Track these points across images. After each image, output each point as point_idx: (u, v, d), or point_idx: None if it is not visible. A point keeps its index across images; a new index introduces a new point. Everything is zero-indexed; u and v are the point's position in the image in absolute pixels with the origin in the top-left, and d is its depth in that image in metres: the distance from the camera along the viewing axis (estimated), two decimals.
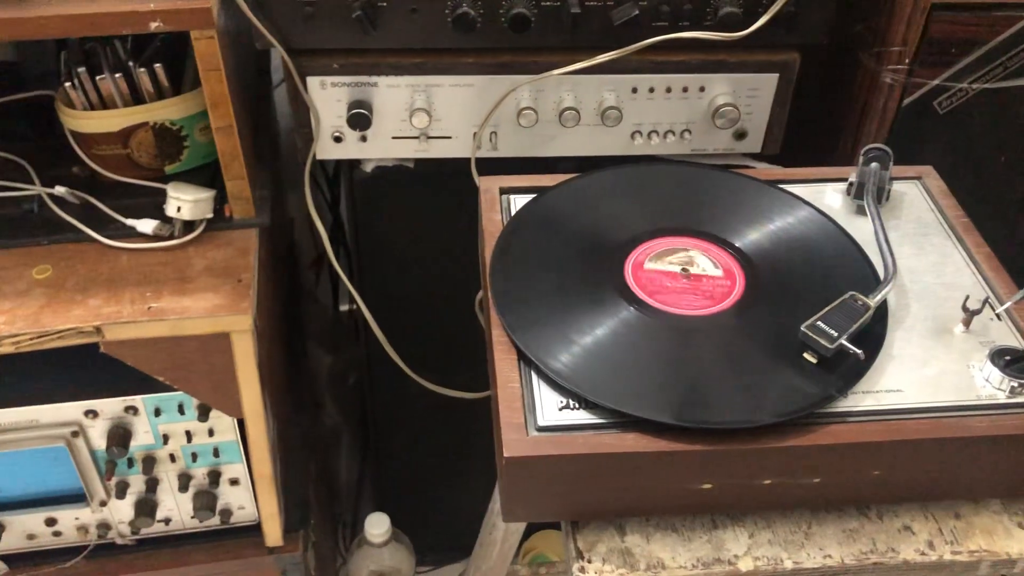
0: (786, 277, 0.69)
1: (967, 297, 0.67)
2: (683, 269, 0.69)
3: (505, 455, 0.58)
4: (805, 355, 0.63)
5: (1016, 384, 0.62)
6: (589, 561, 0.63)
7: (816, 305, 0.65)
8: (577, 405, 0.61)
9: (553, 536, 1.42)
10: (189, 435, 0.97)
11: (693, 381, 0.63)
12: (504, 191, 0.78)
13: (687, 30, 0.89)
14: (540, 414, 0.61)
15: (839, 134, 1.01)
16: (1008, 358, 0.63)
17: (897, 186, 0.80)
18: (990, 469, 0.64)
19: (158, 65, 0.92)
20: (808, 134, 1.05)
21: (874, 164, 0.77)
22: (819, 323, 0.63)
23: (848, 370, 0.63)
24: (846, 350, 0.62)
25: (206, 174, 0.99)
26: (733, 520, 0.66)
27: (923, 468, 0.63)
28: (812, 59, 0.95)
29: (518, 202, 0.77)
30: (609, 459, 0.59)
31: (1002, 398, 0.63)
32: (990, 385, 0.63)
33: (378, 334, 1.02)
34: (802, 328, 0.63)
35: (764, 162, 1.02)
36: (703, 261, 0.69)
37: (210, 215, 0.93)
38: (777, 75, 0.95)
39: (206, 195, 0.92)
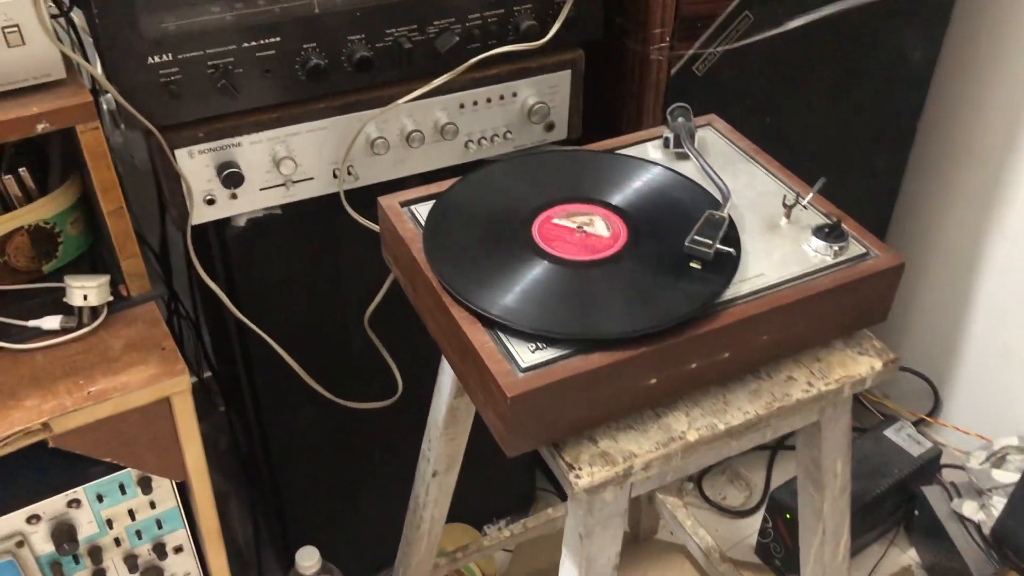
0: (655, 217, 0.88)
1: (784, 196, 0.89)
2: (579, 227, 0.86)
3: (508, 396, 0.72)
4: (691, 264, 0.82)
5: (837, 247, 0.85)
6: (580, 469, 0.78)
7: (682, 231, 0.83)
8: (544, 345, 0.76)
9: (455, 529, 1.53)
10: (132, 513, 1.00)
11: (621, 305, 0.79)
12: (404, 204, 0.91)
13: (497, 47, 1.06)
14: (519, 359, 0.75)
15: (624, 107, 1.22)
16: (826, 231, 0.85)
17: (696, 133, 1.01)
18: (833, 315, 0.85)
19: (22, 169, 0.96)
20: (600, 114, 1.25)
21: (681, 119, 0.97)
22: (696, 236, 0.82)
23: (725, 267, 0.82)
24: (720, 252, 0.81)
25: (82, 265, 1.03)
26: (670, 408, 0.83)
27: (792, 324, 0.83)
28: (592, 53, 1.16)
29: (419, 210, 0.90)
30: (582, 378, 0.74)
31: (830, 260, 0.85)
32: (819, 254, 0.85)
33: (286, 357, 1.09)
34: (686, 243, 0.81)
35: (571, 146, 1.21)
36: (592, 219, 0.86)
37: (110, 298, 0.97)
38: (569, 71, 1.14)
39: (104, 279, 0.96)
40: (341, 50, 1.00)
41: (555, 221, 0.86)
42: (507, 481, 1.59)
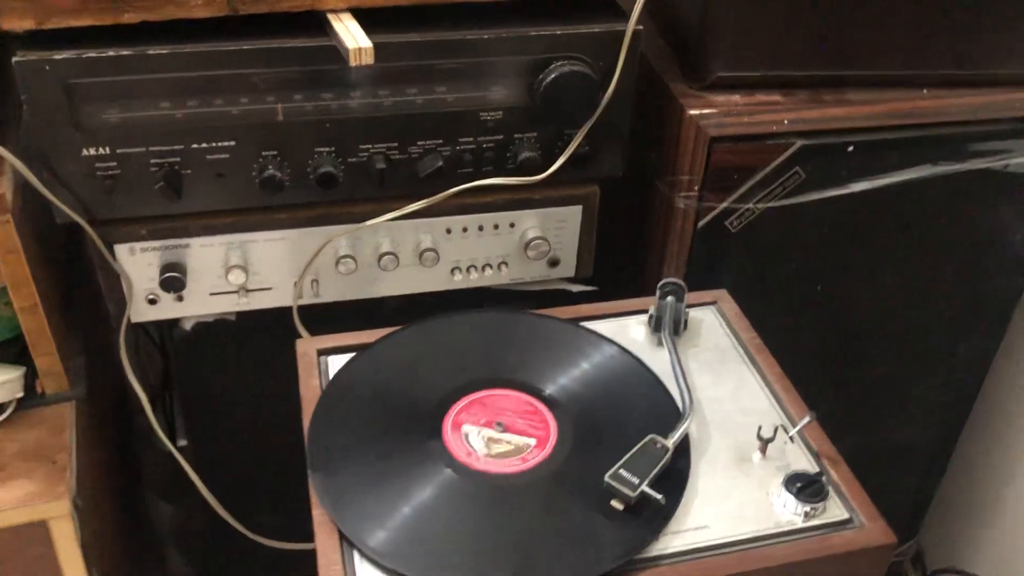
0: (595, 419, 0.73)
1: (759, 428, 0.72)
2: (498, 425, 0.71)
3: None
4: (612, 503, 0.66)
5: (809, 508, 0.67)
6: None
7: (625, 446, 0.68)
8: None
9: None
10: None
11: (518, 545, 0.64)
12: (321, 352, 0.79)
13: (491, 175, 0.93)
14: None
15: (648, 252, 1.07)
16: (799, 485, 0.68)
17: (695, 313, 0.85)
18: None
19: None
20: (620, 253, 1.11)
21: (670, 298, 0.82)
22: (621, 471, 0.66)
23: (654, 514, 0.66)
24: (647, 496, 0.65)
25: (15, 348, 0.95)
26: None
27: None
28: (616, 186, 1.01)
29: (335, 363, 0.78)
30: None
31: (799, 523, 0.67)
32: (786, 511, 0.68)
33: (204, 493, 0.99)
34: (605, 478, 0.66)
35: (580, 283, 1.07)
36: (515, 420, 0.72)
37: (20, 394, 0.90)
38: (580, 207, 1.00)
39: (15, 374, 0.89)
40: (306, 161, 0.89)
41: (470, 412, 0.72)
42: None
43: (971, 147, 1.00)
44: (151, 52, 0.80)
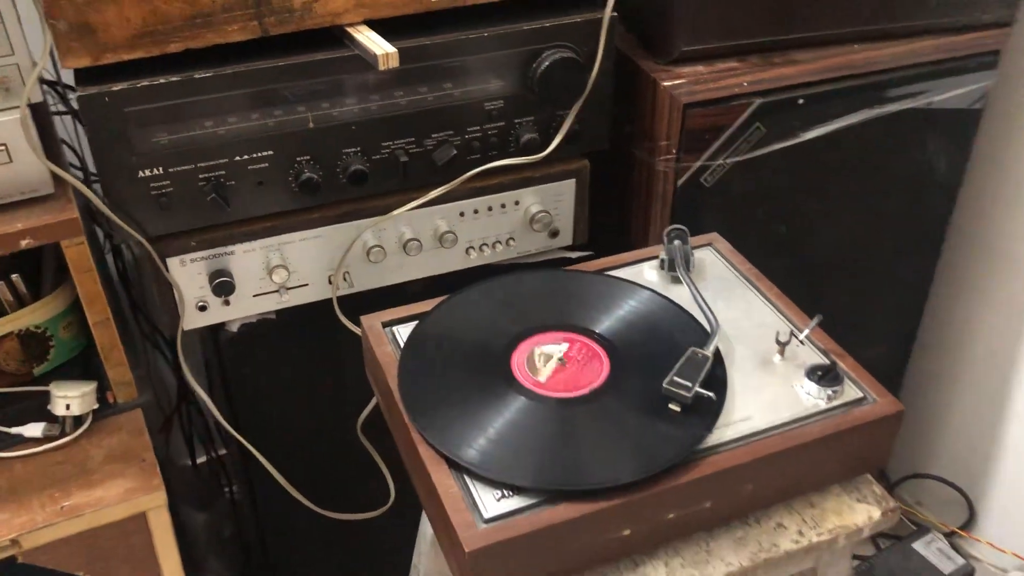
0: (640, 348, 0.84)
1: (777, 332, 0.85)
2: (558, 358, 0.82)
3: (466, 550, 0.68)
4: (671, 406, 0.78)
5: (831, 391, 0.80)
6: None
7: (668, 365, 0.80)
8: (510, 493, 0.72)
9: None
10: None
11: (594, 450, 0.75)
12: (386, 324, 0.89)
13: (497, 158, 1.04)
14: (483, 509, 0.71)
15: (633, 216, 1.20)
16: (819, 374, 0.81)
17: (696, 254, 0.98)
18: (827, 462, 0.81)
19: (15, 276, 0.96)
20: (612, 219, 1.23)
21: (676, 241, 0.94)
22: (675, 378, 0.78)
23: (707, 411, 0.78)
24: (701, 395, 0.77)
25: (75, 367, 1.02)
26: (649, 556, 0.79)
27: (780, 473, 0.79)
28: (602, 158, 1.13)
29: (401, 332, 0.88)
30: (549, 531, 0.71)
31: (823, 405, 0.80)
32: (812, 398, 0.81)
33: (273, 471, 1.08)
34: (664, 385, 0.78)
35: (577, 251, 1.19)
36: (572, 350, 0.83)
37: (96, 406, 0.97)
38: (574, 180, 1.12)
39: (90, 388, 0.96)
40: (336, 162, 0.99)
41: (533, 352, 0.83)
42: None
43: (899, 90, 1.16)
44: (197, 76, 0.89)
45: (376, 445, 1.14)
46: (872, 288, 1.35)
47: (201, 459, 1.57)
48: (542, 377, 0.81)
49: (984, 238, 1.47)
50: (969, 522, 1.67)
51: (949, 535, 1.65)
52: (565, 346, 0.84)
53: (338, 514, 1.14)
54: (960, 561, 1.53)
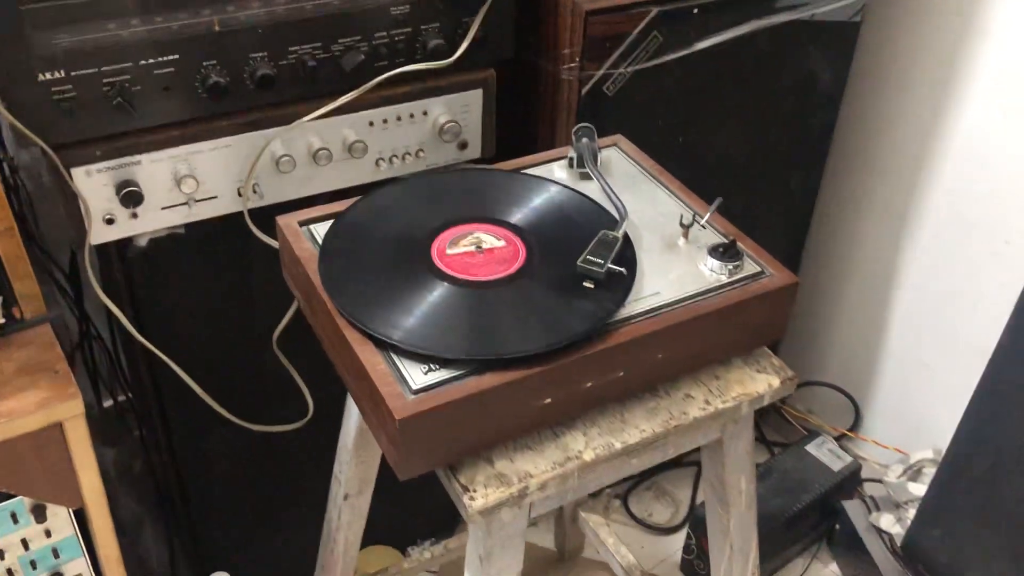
0: (553, 236, 0.88)
1: (681, 216, 0.89)
2: (476, 247, 0.85)
3: (397, 418, 0.71)
4: (585, 283, 0.82)
5: (732, 266, 0.85)
6: (475, 491, 0.77)
7: (580, 249, 0.83)
8: (436, 367, 0.75)
9: (377, 551, 1.52)
10: (26, 543, 0.97)
11: (514, 324, 0.79)
12: (302, 223, 0.90)
13: (405, 65, 1.05)
14: (411, 381, 0.74)
15: (538, 127, 1.23)
16: (720, 250, 0.86)
17: (601, 153, 1.02)
18: (730, 331, 0.86)
19: None
20: (517, 133, 1.26)
21: (584, 139, 0.98)
22: (588, 256, 0.82)
23: (619, 287, 0.82)
24: (613, 271, 0.81)
25: None
26: (568, 427, 0.83)
27: (688, 343, 0.84)
28: (507, 72, 1.16)
29: (318, 230, 0.89)
30: (475, 398, 0.74)
31: (725, 279, 0.85)
32: (715, 273, 0.86)
33: (188, 381, 1.07)
34: (578, 263, 0.81)
35: (485, 163, 1.21)
36: (490, 239, 0.86)
37: (2, 320, 0.95)
38: (481, 90, 1.14)
39: None
40: (243, 68, 0.98)
41: (452, 241, 0.86)
42: (430, 501, 1.58)
43: (785, 2, 1.22)
44: None
45: (292, 360, 1.15)
46: (763, 198, 1.42)
47: (108, 403, 1.54)
48: (461, 264, 0.83)
49: (865, 149, 1.57)
50: (855, 424, 1.79)
51: (839, 437, 1.76)
52: (483, 237, 0.86)
53: (257, 425, 1.14)
54: (848, 459, 1.64)
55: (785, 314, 0.88)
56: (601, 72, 1.15)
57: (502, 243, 0.86)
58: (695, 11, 1.16)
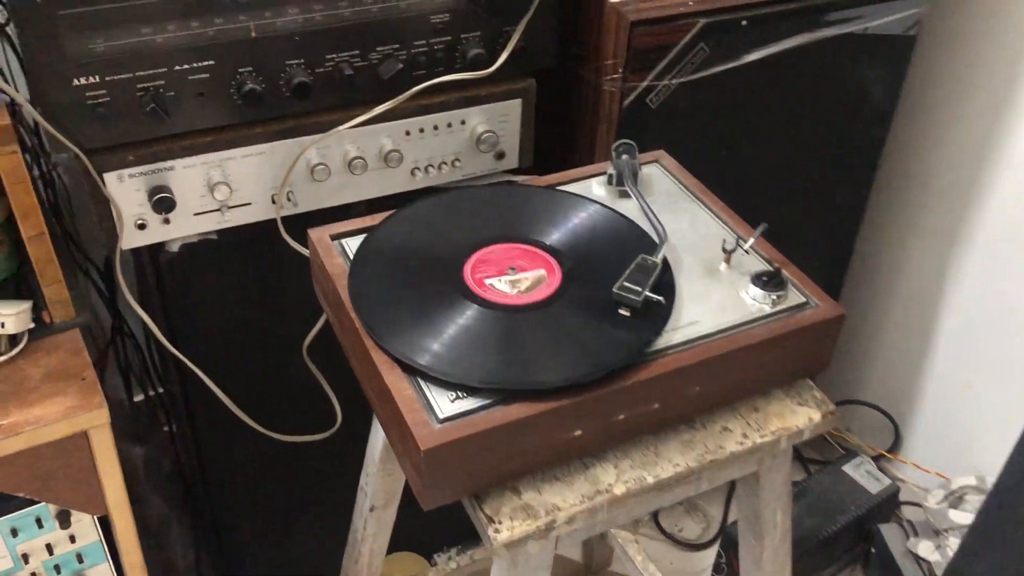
0: (589, 258, 0.85)
1: (724, 240, 0.86)
2: (511, 270, 0.83)
3: (422, 448, 0.69)
4: (620, 311, 0.79)
5: (775, 296, 0.82)
6: (500, 523, 0.75)
7: (617, 274, 0.81)
8: (464, 394, 0.73)
9: (403, 559, 1.50)
10: (50, 548, 0.97)
11: (546, 353, 0.76)
12: (334, 237, 0.88)
13: (444, 75, 1.03)
14: (438, 409, 0.72)
15: (579, 138, 1.20)
16: (764, 279, 0.83)
17: (642, 170, 0.99)
18: (771, 364, 0.83)
19: None
20: (556, 143, 1.23)
21: (624, 156, 0.95)
22: (625, 283, 0.79)
23: (656, 315, 0.79)
24: (650, 300, 0.79)
25: (7, 288, 0.99)
26: (599, 459, 0.80)
27: (726, 376, 0.80)
28: (548, 82, 1.13)
29: (350, 244, 0.87)
30: (502, 429, 0.71)
31: (768, 309, 0.82)
32: (757, 303, 0.83)
33: (216, 390, 1.06)
34: (614, 290, 0.78)
35: (523, 175, 1.18)
36: (524, 263, 0.84)
37: (31, 325, 0.94)
38: (520, 100, 1.11)
39: (25, 306, 0.93)
40: (279, 75, 0.97)
41: (486, 263, 0.83)
42: (458, 507, 1.56)
43: (837, 15, 1.18)
44: None
45: (322, 369, 1.14)
46: (808, 214, 1.38)
47: (139, 397, 1.54)
48: (494, 286, 0.81)
49: (916, 166, 1.52)
50: (895, 445, 1.74)
51: (876, 458, 1.72)
52: (518, 258, 0.84)
53: (284, 436, 1.13)
54: (886, 482, 1.60)
55: (830, 347, 0.85)
56: (645, 84, 1.11)
57: (537, 265, 0.83)
58: (744, 23, 1.12)
